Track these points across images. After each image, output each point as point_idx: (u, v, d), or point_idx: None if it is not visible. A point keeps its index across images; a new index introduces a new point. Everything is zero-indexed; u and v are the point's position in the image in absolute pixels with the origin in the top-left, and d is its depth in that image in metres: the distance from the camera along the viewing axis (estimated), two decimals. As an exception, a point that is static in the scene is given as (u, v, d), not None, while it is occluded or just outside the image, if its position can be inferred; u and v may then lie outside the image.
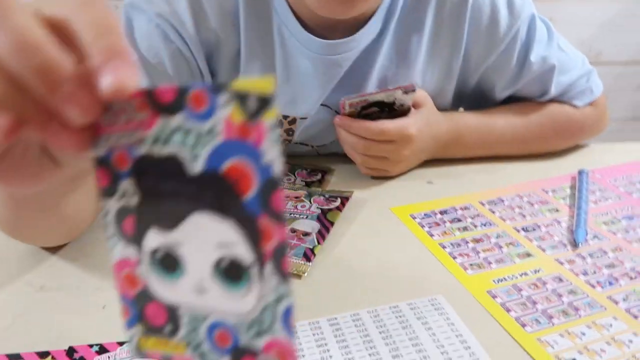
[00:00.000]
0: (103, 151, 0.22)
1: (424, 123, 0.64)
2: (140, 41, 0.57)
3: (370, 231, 0.56)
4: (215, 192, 0.20)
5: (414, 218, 0.58)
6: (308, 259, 0.49)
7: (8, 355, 0.39)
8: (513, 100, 0.71)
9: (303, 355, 0.39)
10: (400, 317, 0.43)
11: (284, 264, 0.20)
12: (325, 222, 0.55)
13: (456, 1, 0.63)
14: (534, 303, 0.44)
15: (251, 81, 0.19)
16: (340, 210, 0.58)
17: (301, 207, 0.58)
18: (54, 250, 0.52)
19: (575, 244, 0.52)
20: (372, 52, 0.63)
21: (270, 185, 0.20)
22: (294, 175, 0.67)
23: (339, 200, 0.59)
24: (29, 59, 0.20)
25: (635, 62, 1.69)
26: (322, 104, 0.65)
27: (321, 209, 0.57)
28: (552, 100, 0.70)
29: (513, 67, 0.67)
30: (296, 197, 0.60)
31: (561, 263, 0.50)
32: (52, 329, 0.42)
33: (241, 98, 0.19)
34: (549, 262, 0.50)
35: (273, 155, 0.19)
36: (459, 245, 0.53)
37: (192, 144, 0.20)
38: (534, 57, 0.66)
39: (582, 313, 0.43)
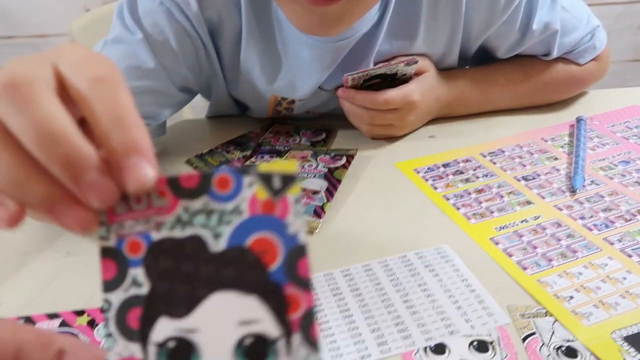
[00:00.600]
0: (114, 240, 0.21)
1: (427, 88, 0.65)
2: (144, 18, 0.57)
3: (376, 187, 0.58)
4: (238, 267, 0.20)
5: (418, 172, 0.60)
6: (319, 216, 0.52)
7: (48, 315, 0.43)
8: (517, 56, 0.71)
9: (320, 304, 0.42)
10: (408, 265, 0.46)
11: (313, 331, 0.20)
12: (333, 179, 0.57)
13: None
14: (534, 247, 0.47)
15: (275, 164, 0.20)
16: (346, 168, 0.60)
17: (308, 166, 0.60)
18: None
19: (573, 190, 0.54)
20: (370, 37, 0.62)
21: (296, 253, 0.20)
22: (299, 135, 0.69)
23: (344, 158, 0.61)
24: (54, 149, 0.19)
25: (636, 1, 1.66)
26: (319, 87, 0.65)
27: (328, 167, 0.59)
28: (556, 58, 0.70)
29: (515, 34, 0.66)
30: (303, 157, 0.62)
31: (560, 209, 0.52)
32: (85, 290, 0.45)
33: (266, 178, 0.20)
34: (548, 209, 0.52)
35: (298, 225, 0.20)
36: (461, 196, 0.55)
37: (215, 223, 0.21)
38: (536, 24, 0.64)
39: (580, 254, 0.46)
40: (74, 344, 0.20)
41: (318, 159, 0.61)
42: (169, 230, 0.21)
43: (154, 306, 0.21)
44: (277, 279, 0.20)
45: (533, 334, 0.39)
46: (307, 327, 0.20)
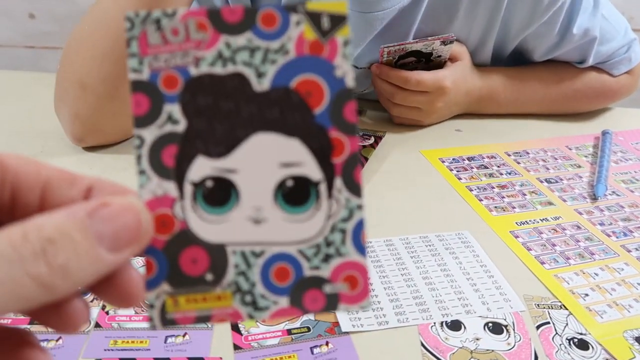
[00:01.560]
0: (147, 73, 0.20)
1: (459, 77, 0.65)
2: None
3: (402, 169, 0.59)
4: (282, 108, 0.20)
5: (443, 162, 0.61)
6: (344, 189, 0.53)
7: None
8: (550, 61, 0.72)
9: (341, 270, 0.43)
10: (429, 245, 0.47)
11: (356, 175, 0.20)
12: (360, 156, 0.58)
13: None
14: (553, 245, 0.48)
15: (324, 3, 0.19)
16: (374, 148, 0.60)
17: (337, 141, 0.60)
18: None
19: (594, 197, 0.55)
20: (408, 14, 0.62)
21: (342, 97, 0.19)
22: (328, 112, 0.70)
23: (372, 138, 0.62)
24: None
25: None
26: (353, 65, 0.66)
27: (356, 144, 0.60)
28: (590, 67, 0.71)
29: (554, 37, 0.66)
30: (332, 132, 0.62)
31: (580, 213, 0.53)
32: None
33: (314, 17, 0.19)
34: (569, 211, 0.53)
35: (346, 68, 0.19)
36: (484, 189, 0.56)
37: (259, 61, 0.20)
38: (576, 28, 0.65)
39: (597, 257, 0.47)
40: (100, 182, 0.19)
41: (347, 135, 0.62)
42: (208, 66, 0.20)
43: (191, 144, 0.20)
44: (322, 122, 0.19)
45: (547, 323, 0.39)
46: (350, 171, 0.19)
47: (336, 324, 0.38)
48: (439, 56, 0.64)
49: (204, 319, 0.20)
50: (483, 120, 0.72)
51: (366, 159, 0.58)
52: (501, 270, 0.44)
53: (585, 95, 0.72)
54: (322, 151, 0.20)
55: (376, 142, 0.61)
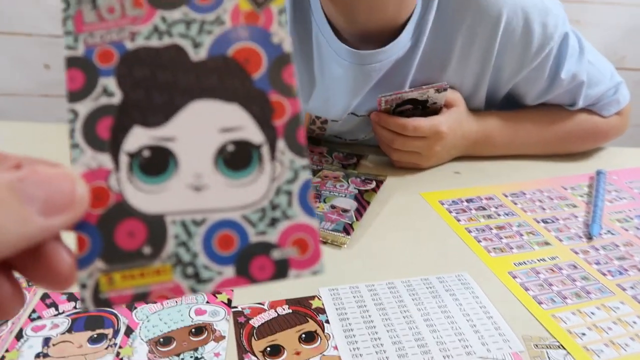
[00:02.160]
0: (82, 50, 0.20)
1: (455, 122, 0.69)
2: None
3: (403, 212, 0.61)
4: (220, 75, 0.20)
5: (442, 204, 0.63)
6: (347, 233, 0.55)
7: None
8: (543, 104, 0.75)
9: (345, 313, 0.45)
10: (430, 288, 0.48)
11: (299, 136, 0.20)
12: (362, 201, 0.60)
13: (489, 22, 0.64)
14: (550, 285, 0.50)
15: None
16: (376, 192, 0.63)
17: (340, 186, 0.63)
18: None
19: (590, 237, 0.57)
20: (403, 65, 0.66)
21: (280, 62, 0.20)
22: (331, 157, 0.73)
23: (374, 182, 0.64)
24: None
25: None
26: (351, 113, 0.69)
27: (358, 189, 0.63)
28: (581, 109, 0.74)
29: (544, 81, 0.70)
30: (335, 177, 0.65)
31: (576, 253, 0.55)
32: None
33: None
34: (565, 251, 0.55)
35: (282, 35, 0.20)
36: (483, 230, 0.58)
37: (195, 33, 0.20)
38: (564, 73, 0.68)
39: (593, 296, 0.48)
40: (30, 158, 0.19)
41: (349, 180, 0.64)
42: (144, 39, 0.20)
43: (128, 115, 0.19)
44: (261, 86, 0.20)
45: (545, 363, 0.41)
46: (292, 133, 0.19)
47: (341, 366, 0.39)
48: (435, 103, 0.67)
49: (142, 296, 0.19)
50: (481, 162, 0.74)
51: (368, 203, 0.60)
52: (500, 311, 0.46)
53: (578, 135, 0.75)
54: (263, 114, 0.20)
55: (377, 186, 0.64)
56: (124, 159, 0.19)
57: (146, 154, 0.19)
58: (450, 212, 0.62)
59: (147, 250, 0.19)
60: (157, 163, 0.19)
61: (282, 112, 0.20)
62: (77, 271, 0.18)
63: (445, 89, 0.65)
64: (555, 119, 0.74)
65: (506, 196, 0.66)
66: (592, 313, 0.46)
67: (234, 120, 0.19)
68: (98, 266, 0.18)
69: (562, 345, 0.42)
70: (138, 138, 0.19)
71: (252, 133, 0.19)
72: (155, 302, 0.45)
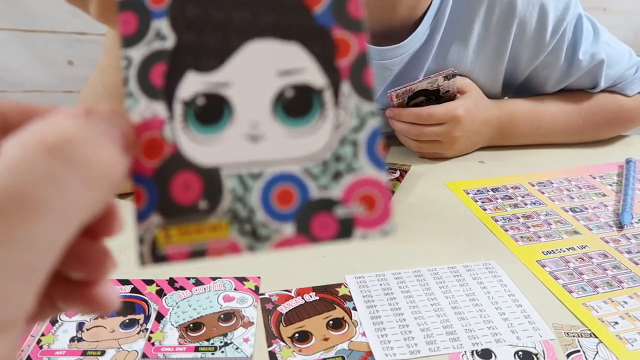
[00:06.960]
0: None
1: (471, 106, 0.68)
2: None
3: (427, 201, 0.61)
4: (278, 12, 0.18)
5: (468, 193, 0.63)
6: (372, 222, 0.55)
7: (120, 280, 0.46)
8: (563, 90, 0.74)
9: (373, 301, 0.45)
10: (457, 276, 0.48)
11: (367, 78, 0.17)
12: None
13: (504, 11, 0.65)
14: (580, 274, 0.49)
15: None
16: (400, 181, 0.63)
17: (363, 176, 0.63)
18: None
19: (620, 226, 0.56)
20: (419, 58, 0.67)
21: None
22: (354, 147, 0.72)
23: (398, 172, 0.64)
24: None
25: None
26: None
27: (382, 178, 0.62)
28: (604, 91, 0.73)
29: (562, 65, 0.69)
30: (358, 167, 0.65)
31: (607, 242, 0.54)
32: (154, 263, 0.48)
33: None
34: (595, 240, 0.54)
35: None
36: (510, 219, 0.57)
37: None
38: (582, 54, 0.68)
39: (625, 285, 0.47)
40: (61, 106, 0.18)
41: (373, 170, 0.64)
42: None
43: (181, 60, 0.18)
44: (323, 22, 0.18)
45: (577, 351, 0.40)
46: (359, 74, 0.17)
47: (370, 353, 0.39)
48: (447, 91, 0.66)
49: (199, 253, 0.17)
50: (505, 151, 0.73)
51: (393, 192, 0.60)
52: (529, 299, 0.45)
53: (605, 117, 0.73)
54: (325, 54, 0.18)
55: (402, 176, 0.63)
56: (178, 108, 0.18)
57: (200, 101, 0.18)
58: (475, 201, 0.61)
59: (203, 204, 0.17)
60: (211, 111, 0.18)
61: (347, 51, 0.17)
62: (138, 223, 0.17)
63: (454, 75, 0.65)
64: (579, 101, 0.73)
65: (533, 185, 0.65)
66: (625, 302, 0.45)
67: (293, 61, 0.18)
68: (155, 221, 0.17)
69: (594, 334, 0.42)
70: (192, 84, 0.18)
71: (313, 76, 0.18)
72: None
